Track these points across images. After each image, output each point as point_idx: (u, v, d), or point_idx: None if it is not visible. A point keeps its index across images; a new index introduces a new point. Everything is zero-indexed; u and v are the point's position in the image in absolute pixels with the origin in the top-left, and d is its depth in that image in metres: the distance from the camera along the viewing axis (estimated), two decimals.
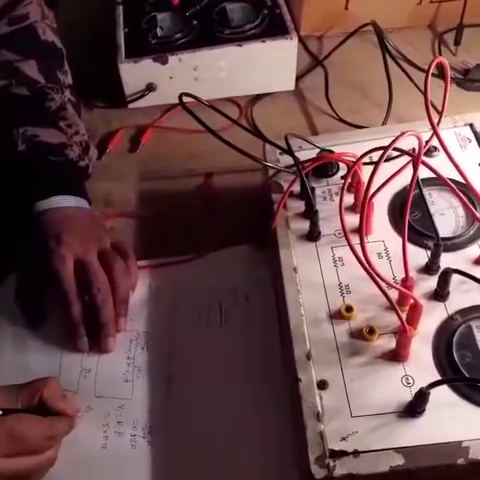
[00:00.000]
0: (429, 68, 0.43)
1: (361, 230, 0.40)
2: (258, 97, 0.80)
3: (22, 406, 0.47)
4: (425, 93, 0.42)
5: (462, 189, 0.50)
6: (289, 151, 0.53)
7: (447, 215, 0.54)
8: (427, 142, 0.52)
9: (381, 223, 0.54)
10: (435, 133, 0.44)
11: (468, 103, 0.76)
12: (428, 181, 0.53)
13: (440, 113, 0.49)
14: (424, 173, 0.49)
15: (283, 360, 0.52)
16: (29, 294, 0.60)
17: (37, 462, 0.46)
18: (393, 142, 0.40)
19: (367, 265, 0.41)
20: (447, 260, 0.50)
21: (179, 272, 0.61)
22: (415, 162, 0.43)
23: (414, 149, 0.51)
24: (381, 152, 0.42)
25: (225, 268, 0.61)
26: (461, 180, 0.49)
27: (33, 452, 0.46)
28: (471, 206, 0.46)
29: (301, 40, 0.84)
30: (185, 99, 0.56)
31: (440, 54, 0.83)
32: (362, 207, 0.40)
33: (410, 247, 0.51)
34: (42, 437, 0.46)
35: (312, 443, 0.42)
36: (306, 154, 0.59)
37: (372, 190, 0.51)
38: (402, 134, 0.40)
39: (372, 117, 0.75)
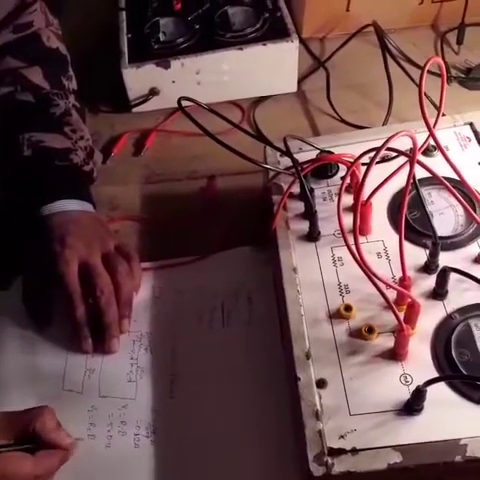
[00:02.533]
0: (424, 69, 0.44)
1: (355, 230, 0.41)
2: (260, 99, 0.80)
3: (15, 437, 0.47)
4: (420, 93, 0.43)
5: (461, 188, 0.50)
6: (287, 153, 0.54)
7: (446, 214, 0.54)
8: (425, 142, 0.52)
9: (381, 223, 0.55)
10: (430, 133, 0.44)
11: (471, 102, 0.76)
12: (427, 180, 0.53)
13: (437, 113, 0.49)
14: (424, 172, 0.49)
15: (284, 360, 0.53)
16: (35, 297, 0.61)
17: None
18: (386, 143, 0.40)
19: (364, 265, 0.42)
20: (447, 259, 0.50)
21: (182, 274, 0.62)
22: (411, 162, 0.44)
23: (411, 149, 0.52)
24: (380, 153, 0.43)
25: (227, 269, 0.62)
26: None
27: None
28: (468, 205, 0.46)
29: (303, 42, 0.85)
30: (186, 103, 0.57)
31: (442, 53, 0.83)
32: (355, 207, 0.41)
33: (410, 246, 0.52)
34: (30, 476, 0.46)
35: (311, 441, 0.43)
36: (307, 155, 0.59)
37: (370, 191, 0.52)
38: (395, 135, 0.40)
39: (374, 117, 0.76)
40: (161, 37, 0.78)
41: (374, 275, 0.42)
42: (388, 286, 0.44)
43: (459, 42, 0.83)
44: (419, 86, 0.43)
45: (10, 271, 0.63)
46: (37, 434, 0.47)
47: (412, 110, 0.75)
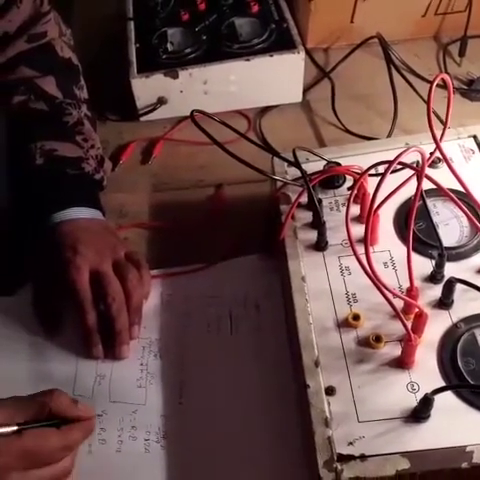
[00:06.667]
0: (431, 85, 0.45)
1: (366, 241, 0.42)
2: (266, 109, 0.82)
3: (32, 418, 0.45)
4: (428, 110, 0.44)
5: (466, 200, 0.52)
6: (297, 164, 0.55)
7: (451, 225, 0.55)
8: (431, 154, 0.53)
9: (387, 233, 0.56)
10: (438, 148, 0.45)
11: (472, 113, 0.77)
12: (433, 191, 0.54)
13: (443, 128, 0.50)
14: (429, 184, 0.50)
15: (292, 367, 0.54)
16: (46, 304, 0.62)
17: (53, 472, 0.46)
18: (398, 157, 0.42)
19: (372, 275, 0.43)
20: (452, 269, 0.51)
21: (190, 281, 0.63)
22: (419, 176, 0.45)
23: (418, 162, 0.53)
24: (385, 165, 0.44)
25: (235, 277, 0.63)
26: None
27: (48, 464, 0.46)
28: (473, 217, 0.48)
29: (308, 52, 0.86)
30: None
31: (445, 65, 0.85)
32: (367, 220, 0.42)
33: (415, 257, 0.53)
34: (57, 449, 0.46)
35: (320, 448, 0.44)
36: (313, 165, 0.60)
37: (377, 202, 0.53)
38: (406, 150, 0.42)
39: (377, 127, 0.77)
40: (169, 47, 0.79)
41: (383, 285, 0.43)
42: (397, 296, 0.45)
43: (461, 54, 0.84)
44: (427, 103, 0.44)
45: (15, 277, 0.64)
46: (55, 414, 0.46)
47: (415, 120, 0.76)
